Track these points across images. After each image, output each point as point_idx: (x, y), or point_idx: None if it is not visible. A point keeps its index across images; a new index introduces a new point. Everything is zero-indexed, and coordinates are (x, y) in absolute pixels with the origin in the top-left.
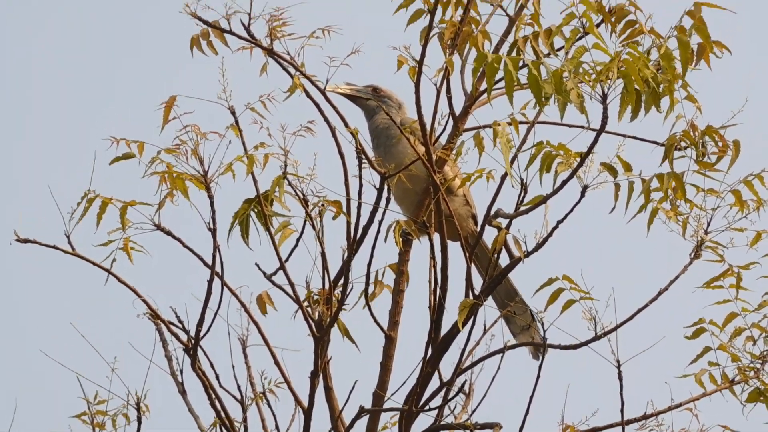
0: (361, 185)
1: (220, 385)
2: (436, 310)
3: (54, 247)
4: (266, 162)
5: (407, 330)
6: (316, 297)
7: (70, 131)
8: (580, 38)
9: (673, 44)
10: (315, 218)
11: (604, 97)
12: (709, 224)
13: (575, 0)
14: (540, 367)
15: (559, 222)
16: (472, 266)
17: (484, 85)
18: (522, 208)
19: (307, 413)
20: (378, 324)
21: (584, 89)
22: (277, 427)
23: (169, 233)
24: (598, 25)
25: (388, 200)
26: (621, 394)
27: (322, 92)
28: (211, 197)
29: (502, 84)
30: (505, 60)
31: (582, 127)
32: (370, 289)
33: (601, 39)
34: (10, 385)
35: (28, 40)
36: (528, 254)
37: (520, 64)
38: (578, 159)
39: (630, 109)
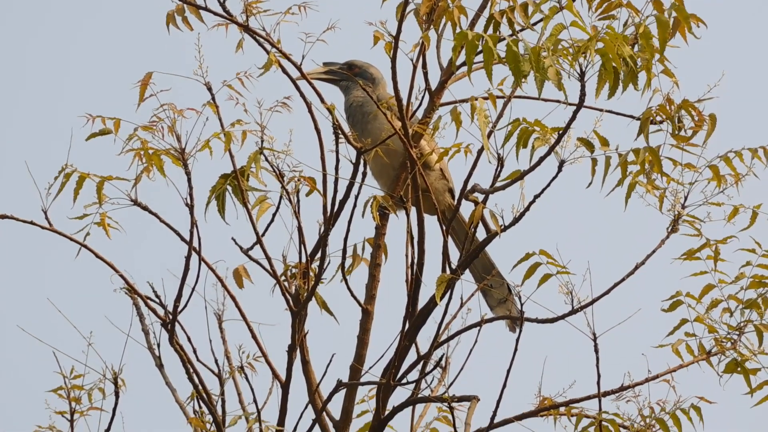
0: (337, 160)
1: (198, 359)
2: (413, 284)
3: (32, 222)
4: (244, 139)
5: (384, 304)
6: (293, 271)
7: (45, 108)
8: (557, 13)
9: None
10: (291, 193)
11: (582, 74)
12: (686, 198)
13: None
14: (517, 340)
15: (536, 197)
16: (449, 240)
17: (460, 59)
18: (499, 184)
19: (285, 387)
20: (355, 298)
21: (562, 66)
22: (254, 400)
23: (145, 208)
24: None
25: (364, 175)
26: (597, 366)
27: (298, 68)
28: (188, 173)
29: (479, 59)
30: (485, 37)
31: (559, 102)
32: (347, 263)
33: (579, 17)
34: None
35: (7, 17)
36: (505, 229)
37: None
38: (555, 135)
39: (608, 86)
